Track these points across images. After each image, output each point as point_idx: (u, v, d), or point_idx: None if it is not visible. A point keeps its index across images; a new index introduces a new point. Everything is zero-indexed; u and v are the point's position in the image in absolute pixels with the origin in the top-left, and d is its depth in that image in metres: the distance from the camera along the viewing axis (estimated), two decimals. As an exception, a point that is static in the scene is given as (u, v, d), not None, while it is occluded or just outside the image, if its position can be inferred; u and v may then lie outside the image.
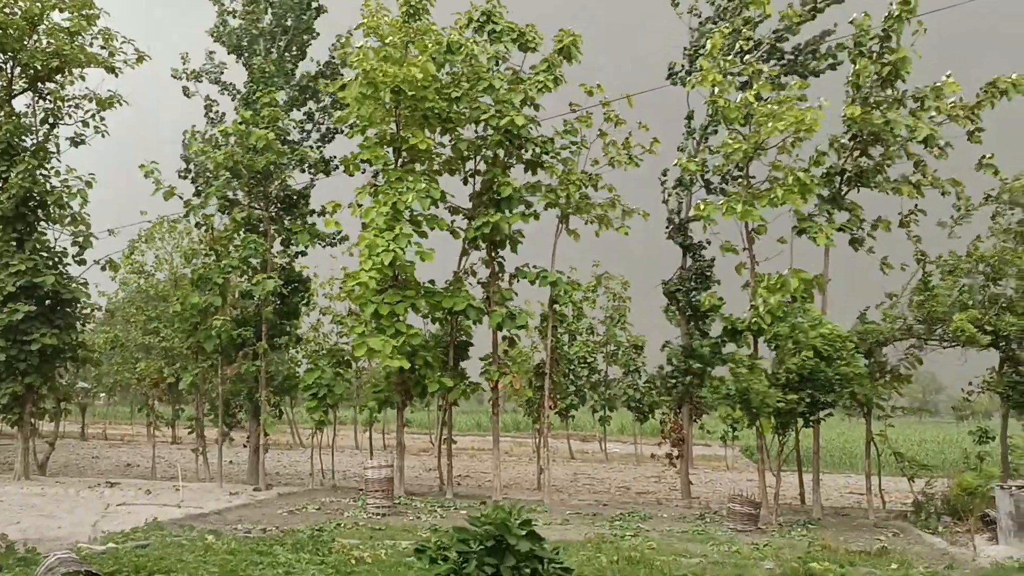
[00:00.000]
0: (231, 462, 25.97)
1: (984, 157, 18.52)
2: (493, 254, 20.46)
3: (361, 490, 19.20)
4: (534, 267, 20.22)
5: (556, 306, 20.40)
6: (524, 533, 7.21)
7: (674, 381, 20.82)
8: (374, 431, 30.87)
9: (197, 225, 22.61)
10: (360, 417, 26.17)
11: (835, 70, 19.82)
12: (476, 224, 19.66)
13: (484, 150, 20.08)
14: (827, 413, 18.31)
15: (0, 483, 20.97)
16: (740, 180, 19.30)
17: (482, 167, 20.65)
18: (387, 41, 19.20)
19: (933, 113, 18.16)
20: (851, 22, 18.96)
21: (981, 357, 19.11)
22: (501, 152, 20.17)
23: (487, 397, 21.51)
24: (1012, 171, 19.17)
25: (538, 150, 20.11)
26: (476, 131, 20.32)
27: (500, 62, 20.25)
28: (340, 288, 20.54)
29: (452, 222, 20.60)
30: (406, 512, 17.15)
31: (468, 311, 19.63)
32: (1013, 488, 14.71)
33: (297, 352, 24.08)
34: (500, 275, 20.49)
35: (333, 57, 23.41)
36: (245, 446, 23.95)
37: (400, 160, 20.18)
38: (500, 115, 19.31)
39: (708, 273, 20.88)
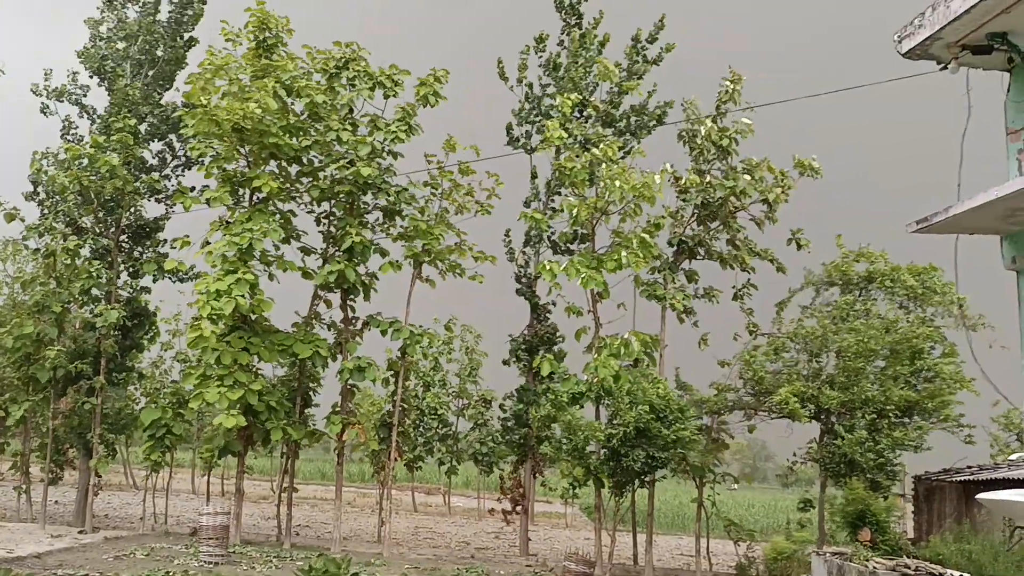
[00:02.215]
0: (57, 502, 24.54)
1: (794, 231, 20.33)
2: (345, 300, 20.47)
3: (195, 536, 18.65)
4: (385, 317, 20.39)
5: (406, 356, 20.57)
6: (355, 584, 7.44)
7: (516, 436, 21.41)
8: (213, 476, 29.83)
9: (36, 250, 21.60)
10: (199, 461, 25.32)
11: (663, 123, 21.39)
12: (325, 271, 19.63)
13: (339, 195, 20.06)
14: (662, 476, 19.30)
15: None
16: (585, 242, 20.28)
17: (336, 212, 20.67)
18: (230, 77, 19.07)
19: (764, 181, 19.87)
20: (684, 107, 20.60)
21: (807, 427, 20.67)
22: (356, 199, 20.18)
23: (332, 445, 21.39)
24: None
25: (393, 199, 20.23)
26: (331, 175, 20.10)
27: (353, 110, 20.22)
28: (186, 330, 20.00)
29: (304, 262, 20.46)
30: (240, 562, 16.75)
31: (315, 358, 19.58)
32: (827, 555, 15.95)
33: (136, 389, 23.19)
34: (352, 321, 20.56)
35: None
36: (75, 486, 22.74)
37: (252, 197, 20.01)
38: (348, 165, 19.40)
39: (552, 336, 21.71)
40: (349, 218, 20.00)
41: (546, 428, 19.23)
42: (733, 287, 20.58)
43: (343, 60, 19.99)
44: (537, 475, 23.33)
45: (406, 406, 22.45)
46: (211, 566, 15.84)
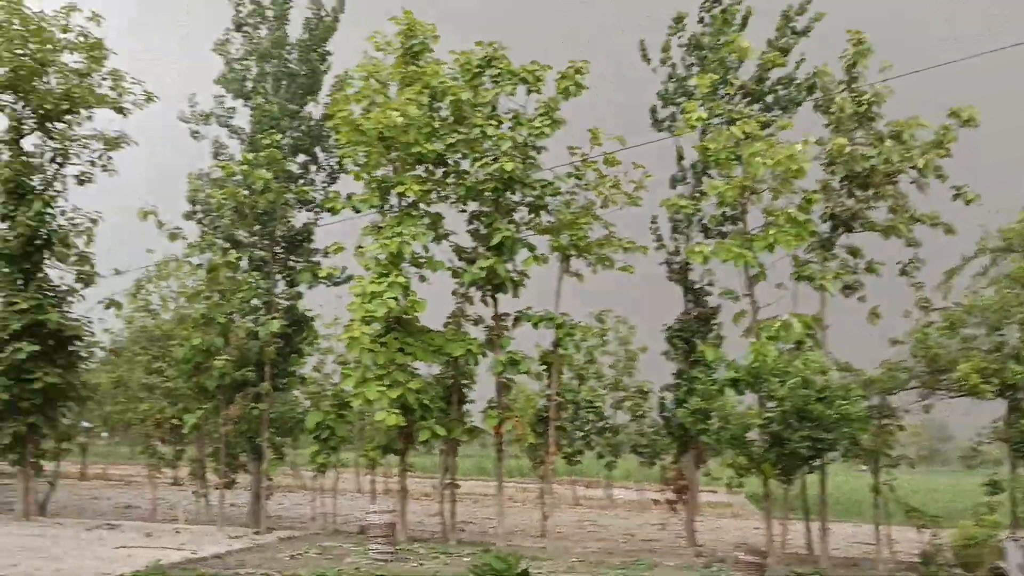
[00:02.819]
0: (233, 505, 25.98)
1: (958, 187, 18.84)
2: (495, 296, 20.71)
3: (363, 535, 19.30)
4: (536, 311, 20.50)
5: (560, 349, 20.63)
6: (523, 580, 7.39)
7: (676, 426, 20.99)
8: (376, 475, 30.92)
9: (199, 266, 23.00)
10: (362, 461, 26.27)
11: (813, 93, 20.30)
12: (475, 269, 19.93)
13: (484, 193, 20.35)
14: (830, 459, 18.42)
15: (0, 524, 21.09)
16: (737, 222, 19.63)
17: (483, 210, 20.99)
18: (375, 88, 19.64)
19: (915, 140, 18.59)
20: (815, 74, 19.55)
21: (990, 405, 19.22)
22: (502, 196, 20.44)
23: (491, 441, 21.68)
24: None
25: (538, 193, 20.39)
26: (476, 173, 20.54)
27: (496, 107, 20.54)
28: (342, 334, 20.83)
29: (451, 261, 20.86)
30: (408, 558, 17.24)
31: (468, 356, 19.87)
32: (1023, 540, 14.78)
33: (300, 393, 24.28)
34: (503, 318, 20.76)
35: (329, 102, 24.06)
36: (248, 489, 24.08)
37: (401, 201, 20.53)
38: (493, 160, 19.67)
39: (711, 321, 21.18)
40: (495, 214, 20.15)
41: (702, 419, 18.72)
42: (899, 263, 19.39)
43: (486, 59, 20.33)
44: (700, 464, 22.80)
45: (562, 400, 22.47)
46: (381, 563, 16.33)
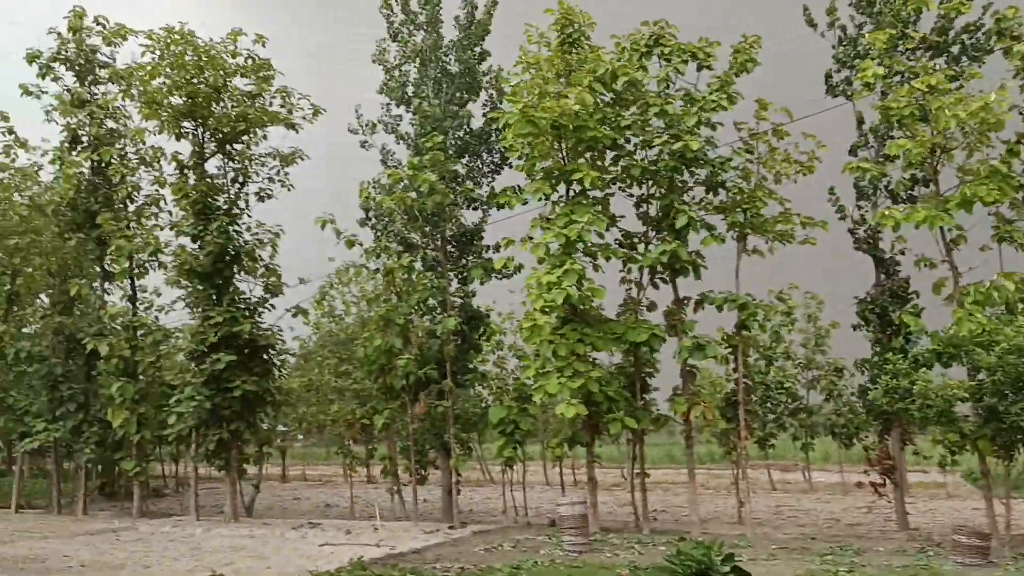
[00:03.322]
0: (425, 500, 27.03)
1: None
2: (673, 281, 20.46)
3: (555, 527, 19.52)
4: (718, 293, 20.07)
5: (745, 331, 20.10)
6: (728, 569, 7.20)
7: (877, 403, 19.92)
8: (564, 466, 31.27)
9: (376, 271, 24.00)
10: (548, 453, 26.62)
11: (1004, 38, 18.65)
12: (655, 252, 19.72)
13: (658, 175, 20.13)
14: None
15: (212, 525, 22.89)
16: (928, 184, 18.39)
17: (657, 192, 20.79)
18: (542, 76, 19.75)
19: None
20: (998, 20, 17.97)
21: None
22: (676, 176, 20.23)
23: (678, 428, 21.41)
24: None
25: (715, 170, 20.05)
26: (647, 156, 20.49)
27: (670, 85, 20.40)
28: (518, 327, 21.23)
29: (622, 247, 20.76)
30: (602, 549, 17.32)
31: (652, 341, 19.65)
32: None
33: (483, 388, 24.89)
34: (684, 302, 20.42)
35: (491, 96, 24.43)
36: (439, 485, 24.93)
37: (569, 191, 20.59)
38: (673, 140, 19.44)
39: (906, 291, 20.05)
40: (672, 195, 19.90)
41: (901, 396, 17.63)
42: None
43: (653, 38, 20.20)
44: (906, 443, 21.58)
45: (750, 382, 21.90)
46: (575, 555, 16.47)
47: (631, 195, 21.23)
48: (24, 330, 31.50)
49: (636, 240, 20.97)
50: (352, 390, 25.36)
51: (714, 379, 29.42)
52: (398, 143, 25.02)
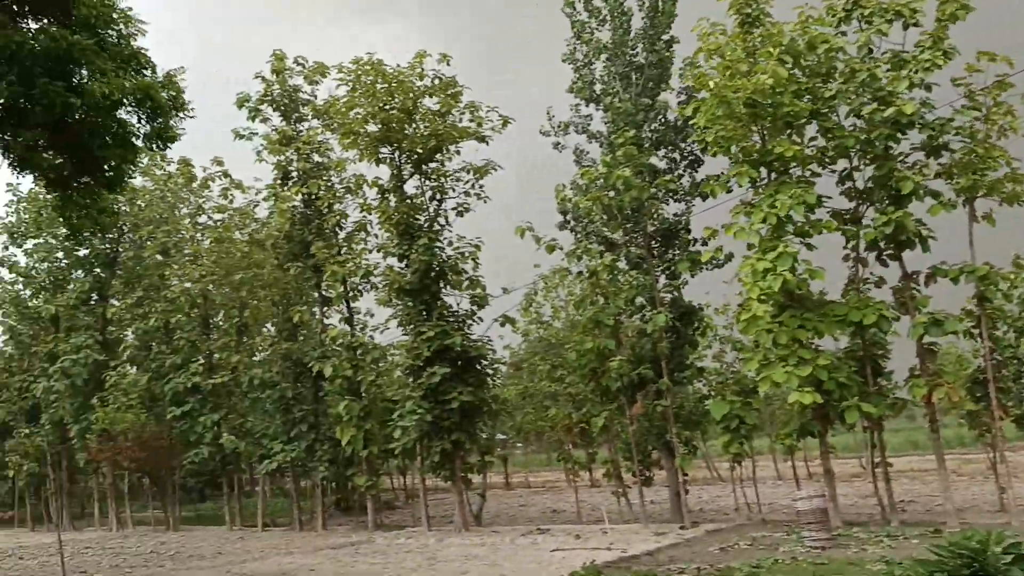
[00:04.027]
0: (652, 501, 27.05)
1: None
2: (898, 256, 19.53)
3: (792, 523, 19.05)
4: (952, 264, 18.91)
5: (986, 302, 18.78)
6: (1011, 559, 6.71)
7: None
8: (796, 459, 30.38)
9: (579, 273, 24.35)
10: (778, 446, 25.98)
11: None
12: (877, 224, 18.84)
13: (870, 144, 19.26)
14: None
15: (444, 535, 24.06)
16: None
17: (864, 163, 19.93)
18: (728, 57, 19.35)
19: None
20: None
21: None
22: (891, 144, 19.30)
23: (920, 413, 20.29)
24: None
25: (935, 133, 18.98)
26: (855, 125, 19.68)
27: (873, 49, 19.59)
28: (734, 318, 20.85)
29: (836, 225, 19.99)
30: (848, 544, 16.77)
31: (880, 322, 18.74)
32: None
33: (702, 385, 24.63)
34: (913, 277, 19.34)
35: (681, 85, 24.23)
36: (665, 485, 24.93)
37: (771, 172, 20.05)
38: (884, 106, 18.61)
39: None
40: (890, 163, 18.97)
41: None
42: None
43: (851, 1, 19.61)
44: None
45: (999, 357, 20.41)
46: (818, 551, 16.04)
47: (833, 170, 20.44)
48: (255, 358, 34.41)
49: (846, 216, 20.12)
50: (567, 395, 25.85)
51: (959, 356, 27.52)
52: (591, 142, 25.37)
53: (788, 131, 19.98)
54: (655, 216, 23.70)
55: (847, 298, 19.79)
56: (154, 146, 16.25)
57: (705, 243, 22.36)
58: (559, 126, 25.46)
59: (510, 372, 29.87)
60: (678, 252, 23.70)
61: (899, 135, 19.11)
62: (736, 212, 20.00)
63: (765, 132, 19.96)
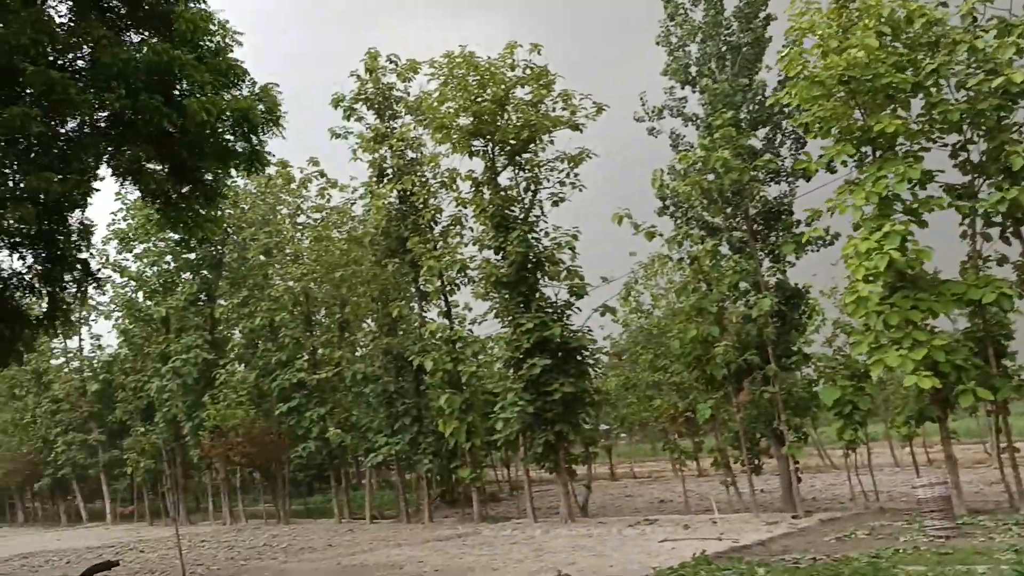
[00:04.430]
0: (763, 491, 26.73)
1: None
2: (1017, 231, 18.89)
3: (912, 512, 18.58)
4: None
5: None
6: None
7: None
8: (914, 446, 29.55)
9: (680, 260, 24.15)
10: (894, 432, 25.31)
11: None
12: (991, 200, 18.15)
13: (980, 117, 18.57)
14: None
15: (550, 526, 24.28)
16: None
17: (976, 135, 19.25)
18: (820, 34, 18.88)
19: None
20: None
21: None
22: (1002, 115, 18.58)
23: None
24: None
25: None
26: (963, 97, 18.99)
27: (977, 17, 18.90)
28: (841, 300, 20.40)
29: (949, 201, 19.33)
30: (973, 533, 16.28)
31: (1001, 301, 18.03)
32: None
33: (811, 370, 24.19)
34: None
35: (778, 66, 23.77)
36: (775, 474, 24.57)
37: (874, 148, 19.50)
38: (991, 76, 17.94)
39: None
40: (1001, 136, 18.28)
41: None
42: None
43: None
44: None
45: None
46: (942, 540, 15.60)
47: (945, 144, 19.72)
48: (357, 353, 35.28)
49: (959, 191, 19.41)
50: (671, 384, 25.73)
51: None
52: (686, 125, 25.12)
53: (891, 106, 19.39)
54: (756, 198, 23.34)
55: (965, 276, 19.13)
56: (250, 168, 16.73)
57: (808, 224, 21.92)
58: (653, 111, 25.27)
59: (612, 362, 29.88)
60: (781, 234, 23.28)
61: (1010, 105, 18.36)
62: (841, 191, 19.56)
63: (865, 108, 19.43)
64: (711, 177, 22.60)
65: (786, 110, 22.39)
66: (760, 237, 23.58)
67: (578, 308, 26.23)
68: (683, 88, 24.96)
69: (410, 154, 30.36)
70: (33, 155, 14.77)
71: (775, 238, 23.39)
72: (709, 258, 22.68)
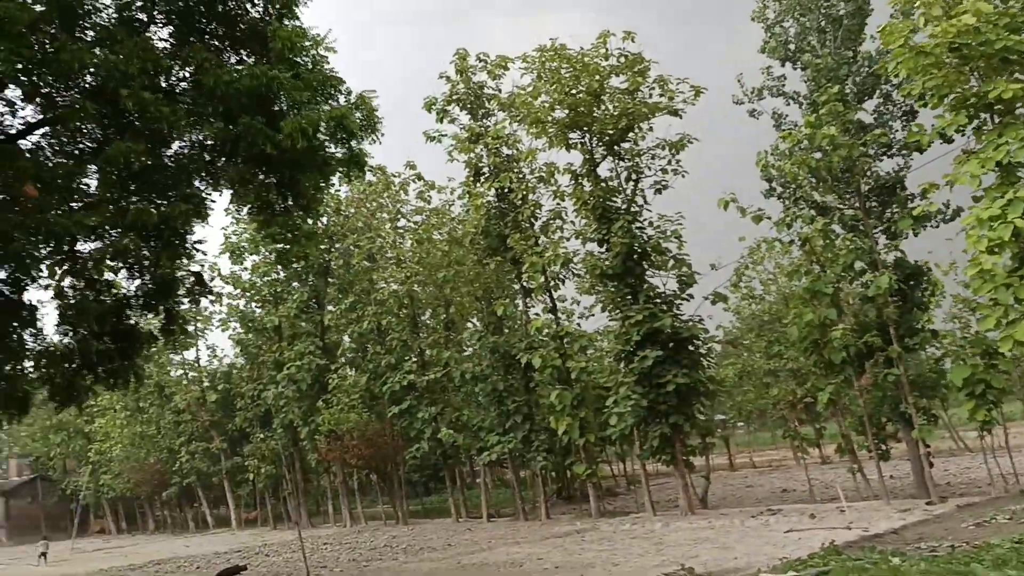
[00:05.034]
0: (892, 477, 26.05)
1: None
2: None
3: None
4: None
5: None
6: None
7: None
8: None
9: (790, 242, 23.72)
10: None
11: None
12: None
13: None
14: None
15: (670, 520, 24.22)
16: None
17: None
18: (923, 1, 18.21)
19: None
20: None
21: None
22: None
23: None
24: None
25: None
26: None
27: None
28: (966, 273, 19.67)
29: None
30: (1123, 515, 15.50)
31: None
32: None
33: (936, 349, 23.45)
34: None
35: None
36: (905, 459, 23.92)
37: (992, 115, 18.74)
38: None
39: None
40: None
41: None
42: None
43: None
44: None
45: None
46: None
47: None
48: (464, 353, 35.82)
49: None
50: (787, 370, 25.29)
51: None
52: (788, 104, 24.59)
53: (1008, 70, 18.59)
54: (868, 174, 22.73)
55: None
56: (349, 173, 17.16)
57: (924, 198, 21.24)
58: (752, 91, 24.84)
59: (725, 351, 29.54)
60: (896, 210, 22.60)
61: None
62: (959, 161, 18.88)
63: (979, 74, 18.68)
64: (818, 155, 22.12)
65: (895, 79, 21.74)
66: (874, 214, 22.96)
67: (688, 296, 26.06)
68: (782, 65, 24.49)
69: (506, 151, 30.63)
70: (139, 184, 15.46)
71: (890, 214, 22.74)
72: (821, 238, 22.22)
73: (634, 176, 26.59)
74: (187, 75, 15.63)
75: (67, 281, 16.60)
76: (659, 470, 32.34)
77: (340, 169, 16.87)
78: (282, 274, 43.08)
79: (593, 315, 28.17)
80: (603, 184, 26.63)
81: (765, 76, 24.80)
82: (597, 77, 25.89)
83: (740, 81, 24.96)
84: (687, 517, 24.43)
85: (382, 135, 16.80)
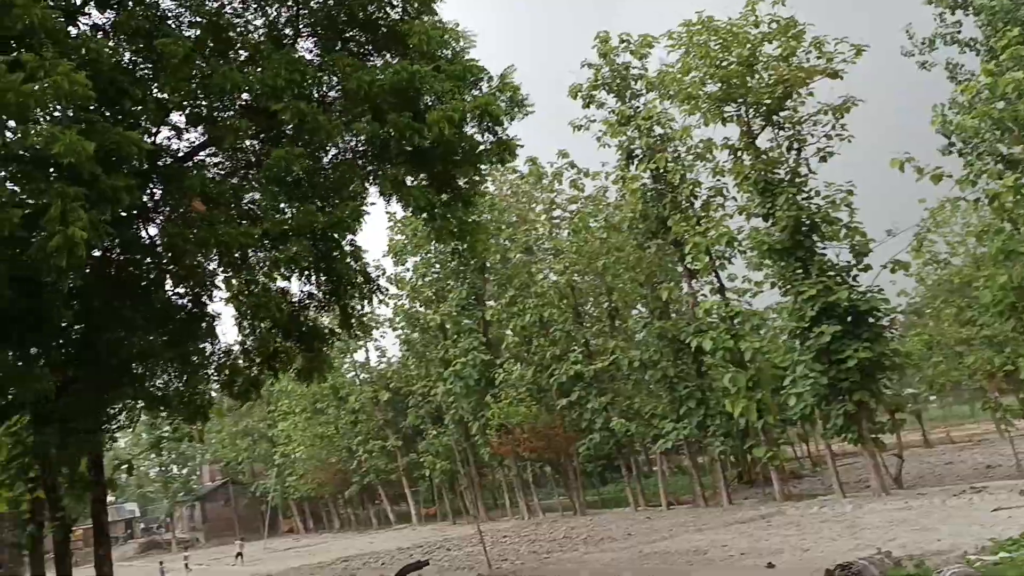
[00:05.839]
0: None
1: None
2: None
3: None
4: None
5: None
6: None
7: None
8: None
9: (976, 200, 22.40)
10: None
11: None
12: None
13: None
14: None
15: (861, 501, 23.38)
16: None
17: None
18: None
19: None
20: None
21: None
22: None
23: None
24: None
25: None
26: None
27: None
28: None
29: None
30: None
31: None
32: None
33: None
34: None
35: None
36: None
37: None
38: None
39: None
40: None
41: None
42: None
43: None
44: None
45: None
46: None
47: None
48: (630, 340, 35.65)
49: None
50: (982, 338, 23.87)
51: None
52: (963, 52, 23.19)
53: None
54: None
55: None
56: (501, 160, 17.27)
57: None
58: (923, 42, 23.59)
59: (910, 321, 28.17)
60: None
61: None
62: None
63: None
64: (1001, 104, 20.76)
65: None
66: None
67: (867, 266, 25.00)
68: (954, 13, 23.13)
69: (658, 131, 30.23)
70: (300, 192, 16.15)
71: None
72: (1012, 194, 20.83)
73: (796, 145, 25.76)
74: (335, 82, 16.19)
75: (242, 289, 17.49)
76: (846, 450, 31.20)
77: (492, 158, 17.04)
78: (440, 273, 44.16)
79: (763, 291, 27.46)
80: (764, 156, 25.93)
81: (937, 24, 23.51)
82: (748, 46, 25.19)
83: (909, 32, 23.77)
84: (880, 498, 23.55)
85: (531, 109, 16.72)
